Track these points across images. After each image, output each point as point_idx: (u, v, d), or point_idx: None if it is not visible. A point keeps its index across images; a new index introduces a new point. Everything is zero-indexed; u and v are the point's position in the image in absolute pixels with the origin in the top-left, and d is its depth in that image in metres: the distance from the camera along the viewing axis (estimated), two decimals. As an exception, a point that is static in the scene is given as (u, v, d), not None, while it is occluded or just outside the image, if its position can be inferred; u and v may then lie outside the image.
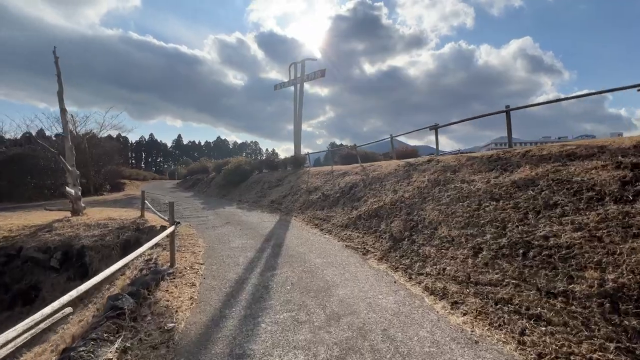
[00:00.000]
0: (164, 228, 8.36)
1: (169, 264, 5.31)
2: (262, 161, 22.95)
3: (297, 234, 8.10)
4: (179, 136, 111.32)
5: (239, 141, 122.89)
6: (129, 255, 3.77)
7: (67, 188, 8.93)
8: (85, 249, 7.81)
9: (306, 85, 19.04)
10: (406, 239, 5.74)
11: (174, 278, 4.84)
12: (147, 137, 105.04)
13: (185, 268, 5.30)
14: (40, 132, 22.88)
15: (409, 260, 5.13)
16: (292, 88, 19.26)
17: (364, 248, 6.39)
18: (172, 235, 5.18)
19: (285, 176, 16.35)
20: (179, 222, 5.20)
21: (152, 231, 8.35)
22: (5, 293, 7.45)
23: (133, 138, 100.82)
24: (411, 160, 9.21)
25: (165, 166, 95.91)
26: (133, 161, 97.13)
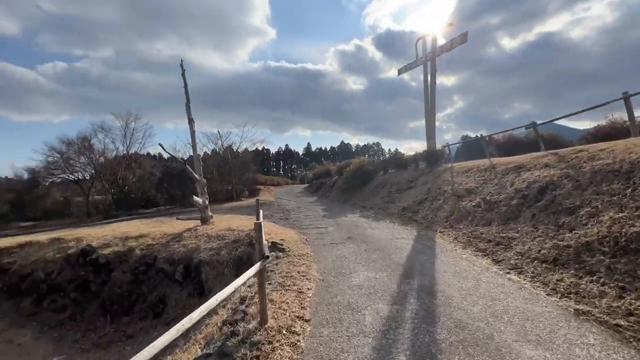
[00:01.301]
0: (274, 245, 6.96)
1: (259, 319, 3.43)
2: (387, 160, 20.24)
3: (454, 266, 5.04)
4: (308, 144, 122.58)
5: (361, 144, 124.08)
6: (202, 307, 2.04)
7: (194, 197, 8.91)
8: (202, 264, 7.20)
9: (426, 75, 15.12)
10: None
11: (258, 356, 2.85)
12: (283, 147, 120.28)
13: (280, 330, 3.28)
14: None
15: None
16: (418, 77, 15.79)
17: (636, 331, 2.80)
18: (260, 276, 3.27)
19: (419, 176, 13.10)
20: (268, 257, 3.27)
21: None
22: (143, 302, 7.56)
23: (273, 149, 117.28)
24: None
25: (298, 172, 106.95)
26: (274, 169, 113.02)
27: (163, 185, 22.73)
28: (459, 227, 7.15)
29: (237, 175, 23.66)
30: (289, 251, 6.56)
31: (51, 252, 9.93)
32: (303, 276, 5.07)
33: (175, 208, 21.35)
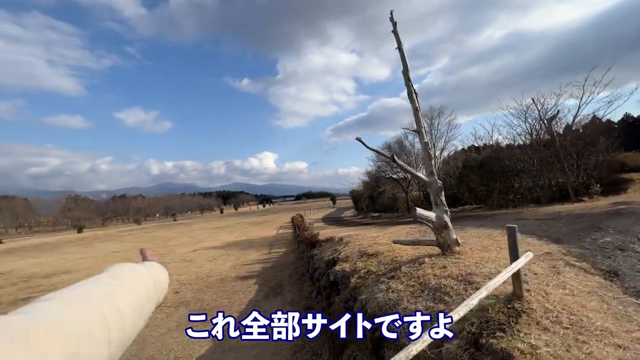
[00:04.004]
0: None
1: None
2: None
3: None
4: None
5: None
6: None
7: (417, 209, 5.60)
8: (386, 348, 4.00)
9: None
10: None
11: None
12: None
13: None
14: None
15: None
16: None
17: None
18: None
19: None
20: None
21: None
22: None
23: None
24: None
25: None
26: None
27: (463, 180, 19.63)
28: None
29: (571, 161, 14.95)
30: None
31: (330, 251, 10.74)
32: None
33: (480, 209, 17.47)
